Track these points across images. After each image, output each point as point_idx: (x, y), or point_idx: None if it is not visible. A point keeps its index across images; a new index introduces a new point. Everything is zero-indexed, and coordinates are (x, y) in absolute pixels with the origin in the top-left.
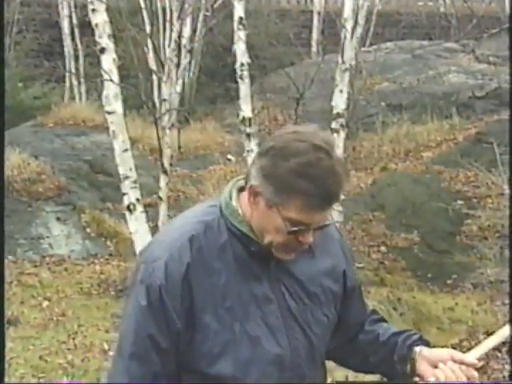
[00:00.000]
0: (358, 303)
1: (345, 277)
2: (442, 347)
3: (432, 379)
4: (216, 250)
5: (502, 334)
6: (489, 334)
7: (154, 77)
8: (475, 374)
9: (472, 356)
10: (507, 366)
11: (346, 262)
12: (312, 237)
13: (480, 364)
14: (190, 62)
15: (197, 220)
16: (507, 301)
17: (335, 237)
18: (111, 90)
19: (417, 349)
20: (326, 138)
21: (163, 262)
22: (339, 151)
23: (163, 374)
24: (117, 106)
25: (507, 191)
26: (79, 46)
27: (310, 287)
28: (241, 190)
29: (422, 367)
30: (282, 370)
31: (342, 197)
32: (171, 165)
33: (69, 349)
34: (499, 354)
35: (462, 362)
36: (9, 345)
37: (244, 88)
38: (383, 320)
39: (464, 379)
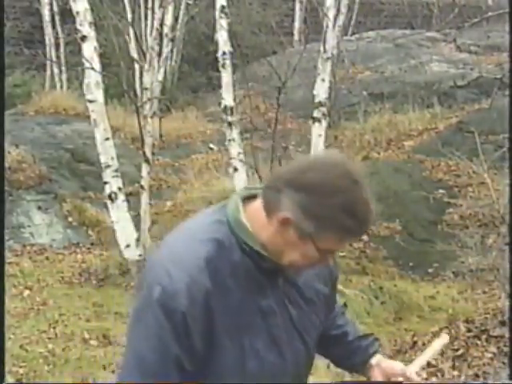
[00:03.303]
0: (335, 295)
1: (331, 275)
2: (423, 335)
3: None
4: (229, 269)
5: (440, 343)
6: (468, 321)
7: (136, 65)
8: None
9: (415, 370)
10: (486, 354)
11: None
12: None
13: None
14: (171, 51)
15: (207, 238)
16: (487, 289)
17: None
18: (92, 79)
19: (375, 357)
20: (356, 167)
21: (184, 286)
22: (321, 140)
23: None
24: (98, 94)
25: (488, 180)
26: (60, 34)
27: (307, 293)
28: (245, 200)
29: (375, 374)
30: (283, 379)
31: None
32: (153, 154)
33: (50, 338)
34: (478, 342)
35: (409, 380)
36: None
37: (226, 77)
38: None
39: None
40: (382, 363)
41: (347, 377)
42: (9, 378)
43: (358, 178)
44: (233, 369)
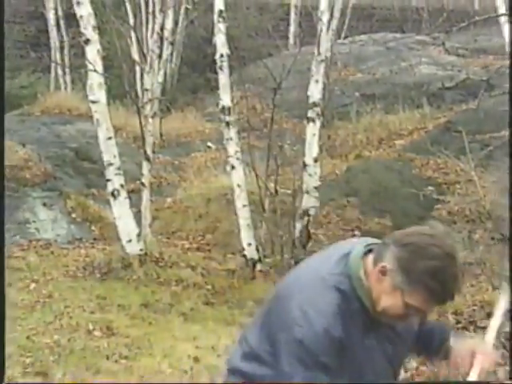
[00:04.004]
0: None
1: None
2: None
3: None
4: (350, 315)
5: (501, 308)
6: (457, 313)
7: (137, 67)
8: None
9: (491, 343)
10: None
11: None
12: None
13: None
14: (171, 53)
15: (336, 287)
16: (474, 282)
17: None
18: (95, 80)
19: (453, 337)
20: (453, 246)
21: (323, 330)
22: (315, 139)
23: None
24: (101, 95)
25: (475, 178)
26: (65, 38)
27: (403, 334)
28: (365, 253)
29: (457, 353)
30: None
31: (319, 183)
32: (154, 152)
33: (55, 329)
34: (467, 332)
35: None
36: None
37: (223, 78)
38: None
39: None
40: (459, 343)
41: None
42: (16, 367)
43: (453, 252)
44: None
